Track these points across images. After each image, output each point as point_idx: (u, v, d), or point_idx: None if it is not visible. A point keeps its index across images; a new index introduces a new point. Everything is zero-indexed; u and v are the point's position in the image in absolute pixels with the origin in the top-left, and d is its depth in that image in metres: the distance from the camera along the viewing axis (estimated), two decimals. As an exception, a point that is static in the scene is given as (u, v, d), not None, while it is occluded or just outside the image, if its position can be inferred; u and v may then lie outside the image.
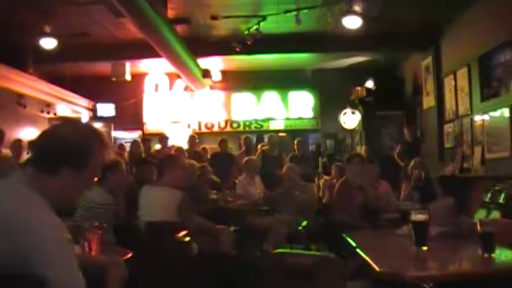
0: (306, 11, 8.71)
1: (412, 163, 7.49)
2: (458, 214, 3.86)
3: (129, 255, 3.51)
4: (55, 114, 12.74)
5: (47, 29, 9.16)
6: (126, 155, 10.81)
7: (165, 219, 4.81)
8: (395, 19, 9.51)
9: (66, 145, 2.07)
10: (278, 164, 9.67)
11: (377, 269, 2.75)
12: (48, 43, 9.36)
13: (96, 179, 2.29)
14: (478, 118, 8.59)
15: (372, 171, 6.92)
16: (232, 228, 6.39)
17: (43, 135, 2.15)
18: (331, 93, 13.49)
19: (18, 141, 8.73)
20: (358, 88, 12.43)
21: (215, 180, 8.69)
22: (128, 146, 11.67)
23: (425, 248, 3.11)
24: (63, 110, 13.03)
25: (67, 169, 2.06)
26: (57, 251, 1.90)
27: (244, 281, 4.35)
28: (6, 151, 8.03)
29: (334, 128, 13.83)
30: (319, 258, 4.18)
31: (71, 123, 2.39)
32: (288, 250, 5.71)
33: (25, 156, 8.42)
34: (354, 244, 3.60)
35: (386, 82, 12.29)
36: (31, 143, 2.22)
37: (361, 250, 3.29)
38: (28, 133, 11.39)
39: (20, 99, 10.70)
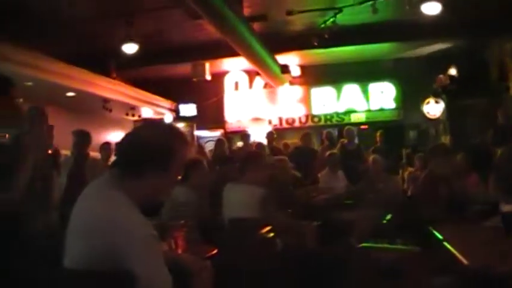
0: None
1: (499, 152, 7.17)
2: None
3: (214, 251, 3.57)
4: (139, 116, 13.15)
5: (129, 35, 9.45)
6: (207, 153, 10.96)
7: (248, 216, 4.84)
8: (477, 1, 9.19)
9: (148, 148, 2.13)
10: (357, 157, 9.54)
11: (465, 263, 2.67)
12: (130, 48, 9.67)
13: (179, 177, 2.33)
14: None
15: (457, 162, 6.71)
16: (315, 224, 6.37)
17: (126, 139, 2.22)
18: (413, 82, 13.20)
19: (107, 144, 9.03)
20: (441, 76, 12.09)
21: (297, 176, 8.67)
22: (208, 146, 11.82)
23: (516, 240, 3.00)
24: (147, 112, 13.43)
25: (151, 171, 2.12)
26: (145, 248, 1.97)
27: (329, 277, 4.33)
28: (95, 154, 8.31)
29: (417, 118, 13.52)
30: (405, 253, 4.11)
31: (151, 125, 2.44)
32: (373, 244, 5.64)
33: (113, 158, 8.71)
34: (440, 237, 3.52)
35: (470, 68, 11.89)
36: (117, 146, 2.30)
37: (449, 243, 3.20)
38: (114, 136, 11.83)
39: (105, 103, 11.09)
